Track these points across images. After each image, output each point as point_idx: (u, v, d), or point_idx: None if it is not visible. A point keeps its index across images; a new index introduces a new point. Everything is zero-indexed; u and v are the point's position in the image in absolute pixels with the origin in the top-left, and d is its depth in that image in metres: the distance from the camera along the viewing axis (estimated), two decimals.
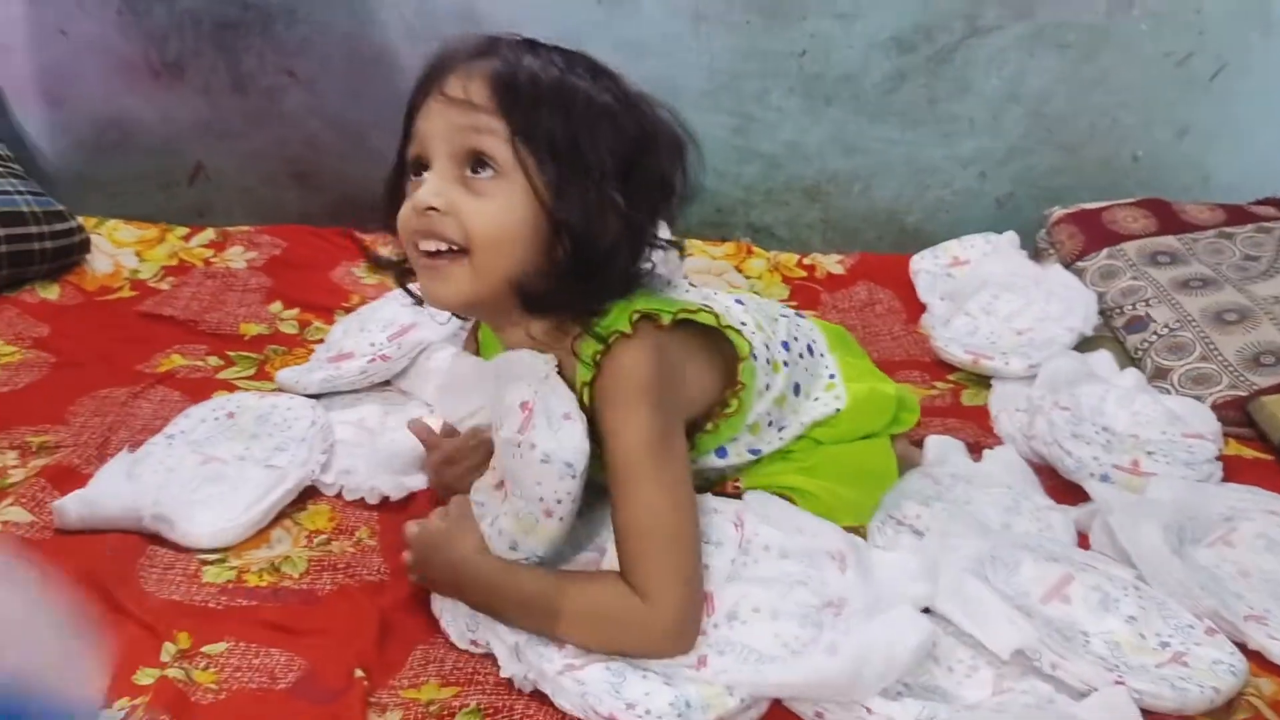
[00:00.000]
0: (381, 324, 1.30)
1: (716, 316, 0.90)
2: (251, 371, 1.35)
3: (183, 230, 1.69)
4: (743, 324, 0.95)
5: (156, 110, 1.75)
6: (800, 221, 1.80)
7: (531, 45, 0.86)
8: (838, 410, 1.02)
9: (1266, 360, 1.34)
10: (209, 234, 1.68)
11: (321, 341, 1.41)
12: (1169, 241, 1.59)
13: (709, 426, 0.94)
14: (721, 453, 0.97)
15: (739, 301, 1.01)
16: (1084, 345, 1.43)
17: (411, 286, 0.92)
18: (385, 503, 1.08)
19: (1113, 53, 1.67)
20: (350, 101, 1.74)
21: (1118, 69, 1.68)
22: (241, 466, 1.07)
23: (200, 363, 1.36)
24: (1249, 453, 1.25)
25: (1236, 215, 1.63)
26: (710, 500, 0.94)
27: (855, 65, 1.68)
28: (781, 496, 0.97)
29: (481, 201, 0.81)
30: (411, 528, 0.92)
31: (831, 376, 1.06)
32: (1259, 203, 1.67)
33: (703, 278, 1.66)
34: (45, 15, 1.69)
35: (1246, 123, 1.71)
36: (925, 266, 1.65)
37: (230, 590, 0.94)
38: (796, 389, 1.01)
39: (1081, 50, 1.67)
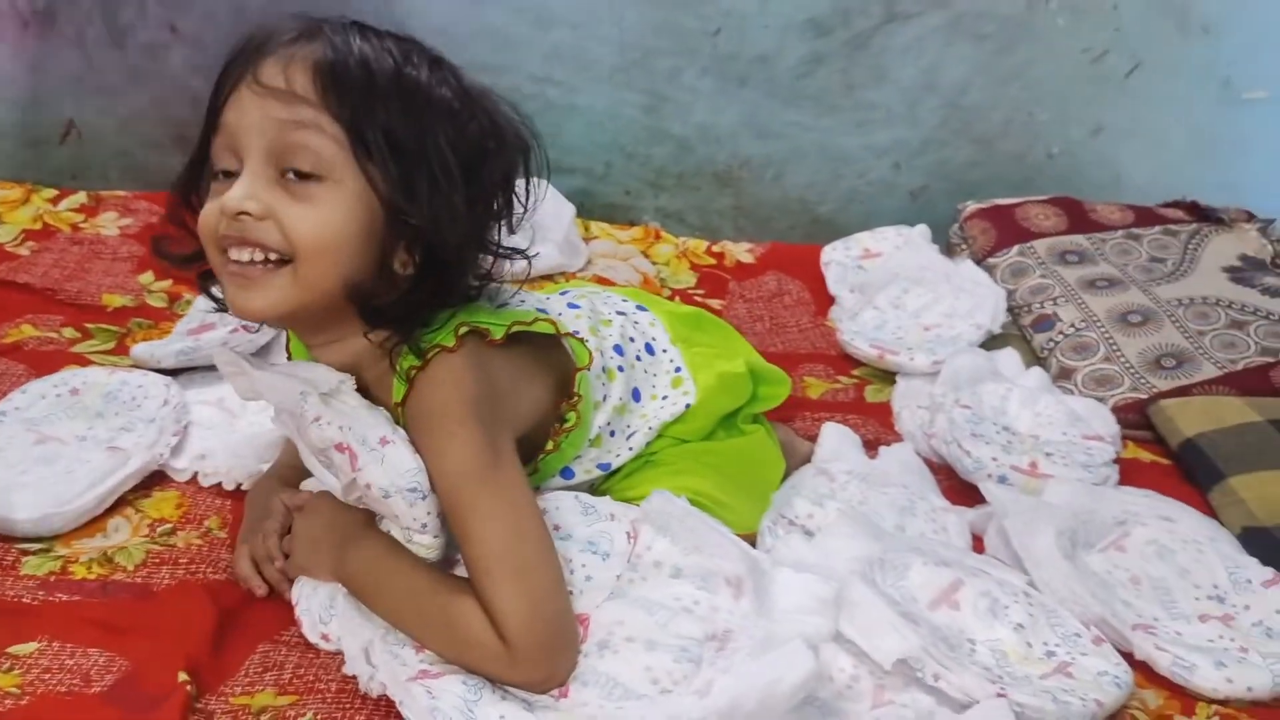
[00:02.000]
0: None
1: (555, 324, 0.83)
2: (110, 345, 1.25)
3: (50, 192, 1.57)
4: (576, 331, 0.88)
5: (24, 61, 1.62)
6: (711, 207, 1.74)
7: (361, 29, 0.76)
8: (688, 406, 0.96)
9: (1167, 363, 1.33)
10: (80, 198, 1.57)
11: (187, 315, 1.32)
12: (1079, 240, 1.57)
13: (549, 446, 0.86)
14: (567, 473, 0.90)
15: (573, 306, 0.94)
16: (991, 343, 1.41)
17: (215, 290, 0.81)
18: (239, 490, 0.99)
19: (1030, 46, 1.64)
20: None
21: (1035, 63, 1.66)
22: (81, 447, 0.98)
23: (54, 334, 1.26)
24: (1147, 456, 1.24)
25: (1145, 217, 1.62)
26: (606, 505, 0.86)
27: (770, 46, 1.63)
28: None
29: (305, 207, 0.72)
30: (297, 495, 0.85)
31: (677, 370, 0.98)
32: (1168, 205, 1.66)
33: (608, 261, 1.60)
34: None
35: (1159, 123, 1.70)
36: (836, 258, 1.61)
37: (51, 584, 0.85)
38: (636, 394, 0.95)
39: (999, 42, 1.64)
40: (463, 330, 0.76)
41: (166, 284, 1.40)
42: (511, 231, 0.80)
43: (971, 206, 1.66)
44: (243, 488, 0.99)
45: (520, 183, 0.80)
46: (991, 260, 1.57)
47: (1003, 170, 1.73)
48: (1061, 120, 1.70)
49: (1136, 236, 1.59)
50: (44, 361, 1.18)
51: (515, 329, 0.79)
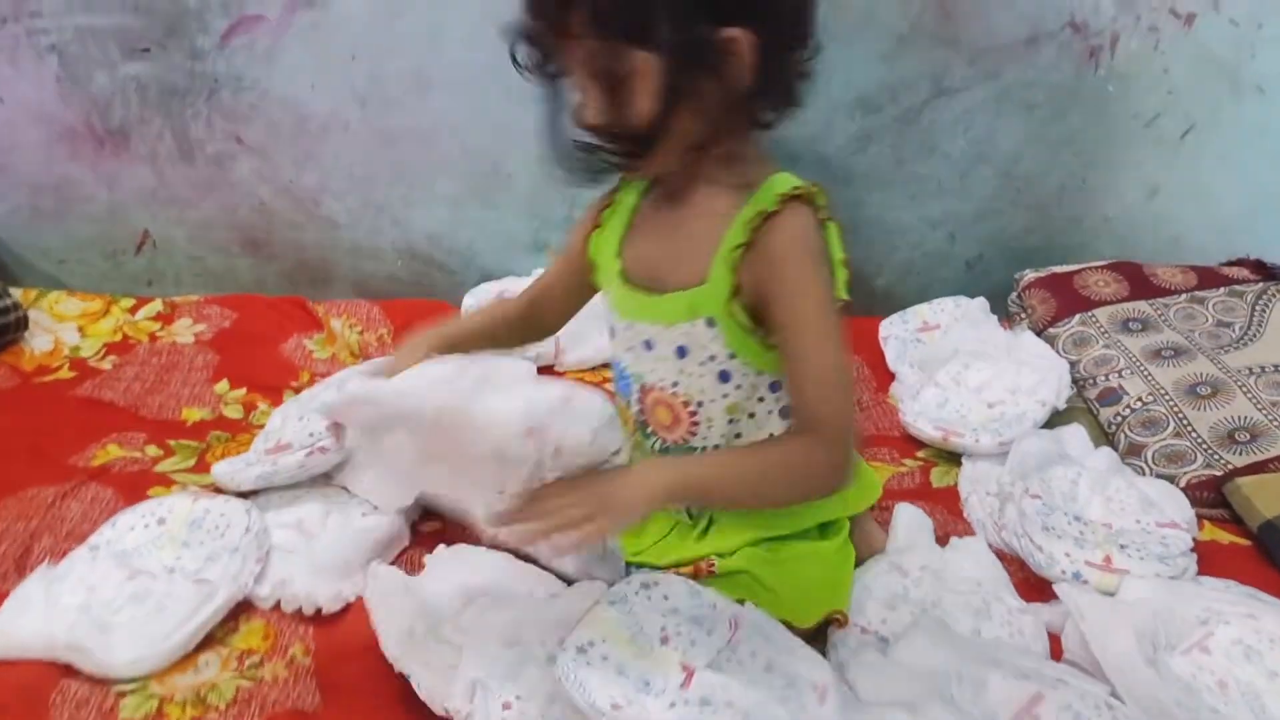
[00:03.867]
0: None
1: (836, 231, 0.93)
2: (191, 463, 1.29)
3: (128, 302, 1.63)
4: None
5: (101, 178, 1.70)
6: None
7: None
8: None
9: (1241, 437, 1.31)
10: (156, 305, 1.63)
11: (263, 428, 1.36)
12: (1141, 307, 1.56)
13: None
14: (774, 386, 0.98)
15: None
16: (1057, 418, 1.40)
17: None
18: (319, 615, 1.02)
19: (1080, 113, 1.64)
20: (300, 168, 1.69)
21: (1086, 129, 1.65)
22: (170, 580, 1.01)
23: (138, 454, 1.30)
24: (1225, 537, 1.21)
25: (1208, 278, 1.60)
26: (709, 594, 0.92)
27: (819, 127, 1.64)
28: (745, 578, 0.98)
29: (629, 101, 0.84)
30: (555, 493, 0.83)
31: None
32: (1230, 264, 1.64)
33: None
34: None
35: (1215, 182, 1.68)
36: (894, 332, 1.61)
37: None
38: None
39: (1049, 110, 1.64)
40: (797, 190, 0.89)
41: (241, 393, 1.45)
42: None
43: (1029, 275, 1.65)
44: (323, 612, 1.02)
45: None
46: (1052, 330, 1.56)
47: (1059, 236, 1.72)
48: (1116, 184, 1.69)
49: (1200, 299, 1.56)
50: (131, 484, 1.22)
51: (823, 216, 0.91)
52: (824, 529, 1.05)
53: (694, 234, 0.93)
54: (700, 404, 0.97)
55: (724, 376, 0.95)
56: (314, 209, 1.72)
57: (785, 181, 0.91)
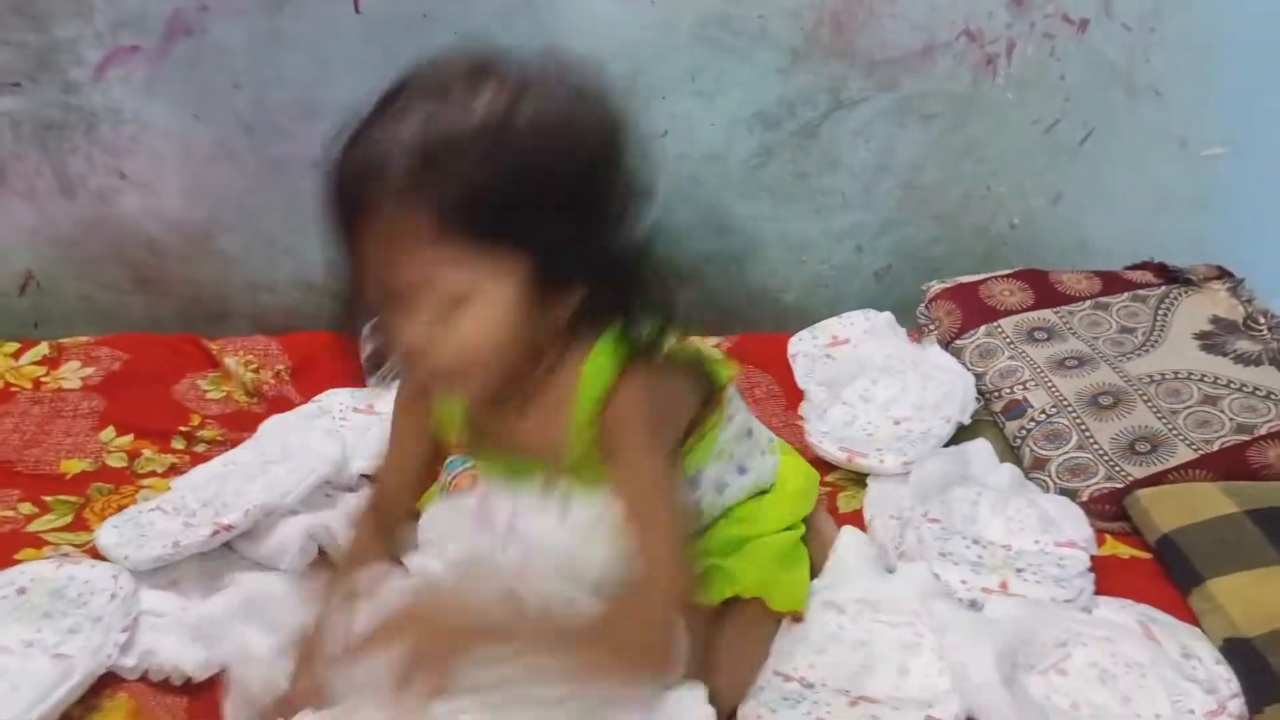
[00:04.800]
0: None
1: (699, 351, 0.94)
2: (69, 519, 1.23)
3: (12, 346, 1.56)
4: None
5: None
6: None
7: (443, 102, 0.74)
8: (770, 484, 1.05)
9: (1141, 448, 1.30)
10: (42, 349, 1.56)
11: (150, 475, 1.32)
12: (1046, 316, 1.55)
13: (687, 444, 0.93)
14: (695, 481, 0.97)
15: None
16: (964, 431, 1.38)
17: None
18: (188, 685, 0.97)
19: (980, 121, 1.63)
20: (190, 202, 1.64)
21: (987, 137, 1.65)
22: (27, 656, 0.96)
23: (10, 512, 1.24)
24: (1126, 550, 1.21)
25: (1113, 283, 1.60)
26: None
27: (719, 144, 1.62)
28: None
29: (466, 325, 0.76)
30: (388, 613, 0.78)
31: (770, 440, 1.09)
32: (1133, 267, 1.64)
33: None
34: None
35: (1117, 186, 1.69)
36: (803, 349, 1.59)
37: None
38: (749, 431, 1.04)
39: (949, 120, 1.63)
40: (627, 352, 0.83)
41: (127, 439, 1.39)
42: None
43: (936, 287, 1.64)
44: (193, 681, 0.98)
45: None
46: (959, 342, 1.55)
47: (966, 245, 1.71)
48: (1020, 191, 1.69)
49: (1105, 305, 1.56)
50: (0, 547, 1.17)
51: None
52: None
53: (539, 433, 0.87)
54: None
55: None
56: (205, 243, 1.67)
57: (603, 354, 0.84)
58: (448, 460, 1.26)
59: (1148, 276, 1.61)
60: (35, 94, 1.55)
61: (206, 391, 1.50)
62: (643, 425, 0.84)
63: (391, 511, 1.01)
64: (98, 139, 1.58)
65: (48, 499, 1.27)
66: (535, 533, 0.87)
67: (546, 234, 0.75)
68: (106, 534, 1.13)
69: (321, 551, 1.14)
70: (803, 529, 1.09)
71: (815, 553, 1.10)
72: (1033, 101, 1.62)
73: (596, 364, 0.83)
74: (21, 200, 1.62)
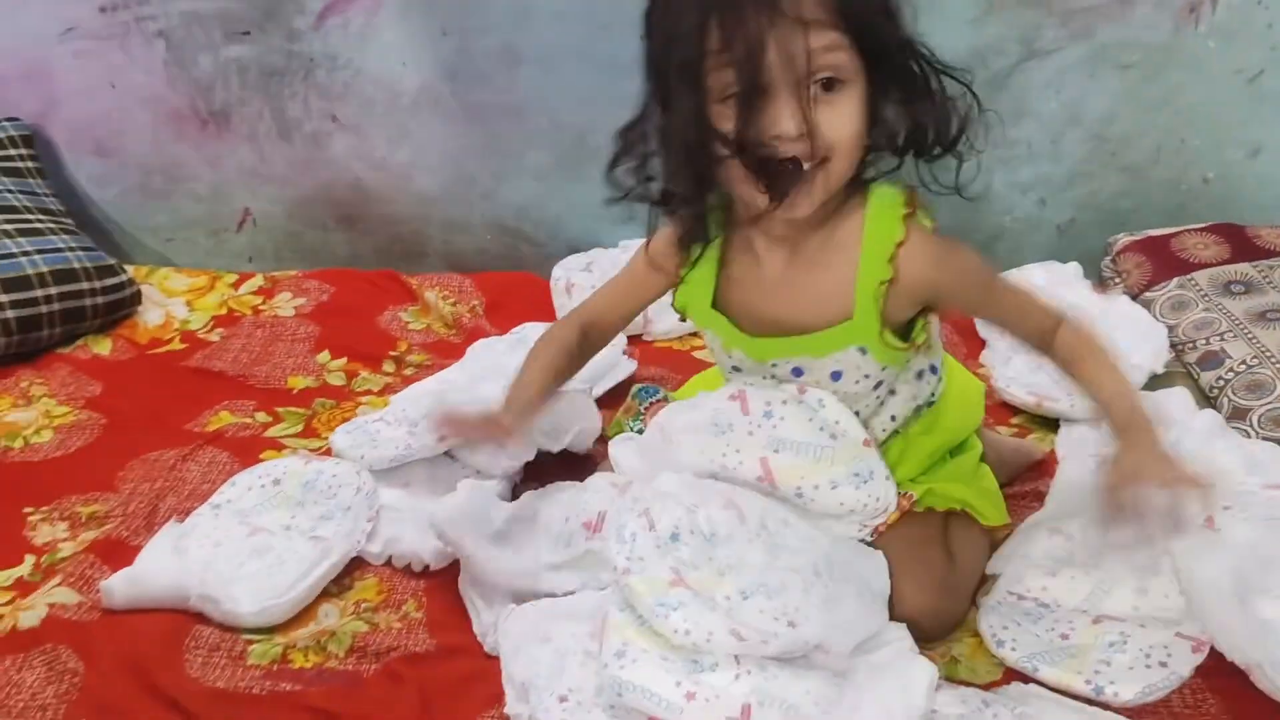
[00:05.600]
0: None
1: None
2: (299, 428, 1.34)
3: (231, 277, 1.69)
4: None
5: (204, 158, 1.76)
6: None
7: None
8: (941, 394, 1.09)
9: None
10: (258, 280, 1.69)
11: (367, 394, 1.41)
12: (1243, 269, 1.52)
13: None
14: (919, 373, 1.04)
15: None
16: (1156, 382, 1.37)
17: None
18: (428, 571, 1.06)
19: (1179, 71, 1.60)
20: (394, 145, 1.73)
21: (1184, 88, 1.61)
22: (288, 537, 1.06)
23: (249, 419, 1.35)
24: None
25: None
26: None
27: None
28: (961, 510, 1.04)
29: (834, 113, 0.84)
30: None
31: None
32: None
33: None
34: (93, 68, 1.71)
35: None
36: None
37: (275, 673, 0.93)
38: (939, 334, 1.08)
39: (1145, 70, 1.60)
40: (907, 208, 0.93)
41: (343, 362, 1.49)
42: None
43: (1124, 239, 1.62)
44: (431, 569, 1.06)
45: None
46: (1149, 294, 1.53)
47: (1156, 199, 1.68)
48: (1216, 144, 1.64)
49: None
50: (244, 448, 1.28)
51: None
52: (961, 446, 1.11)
53: (823, 274, 0.95)
54: (854, 405, 1.01)
55: (876, 385, 1.00)
56: (406, 184, 1.76)
57: (888, 197, 0.94)
58: (636, 388, 1.32)
59: None
60: (262, 41, 1.66)
61: (408, 323, 1.59)
62: (948, 255, 0.93)
63: (577, 343, 1.09)
64: (314, 84, 1.69)
65: (279, 410, 1.37)
66: (788, 424, 0.96)
67: (895, 42, 0.85)
68: (340, 439, 1.23)
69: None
70: (980, 446, 1.12)
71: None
72: (1236, 51, 1.58)
73: (879, 217, 0.92)
74: (244, 142, 1.74)
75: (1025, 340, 1.00)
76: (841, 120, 0.84)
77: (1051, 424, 1.34)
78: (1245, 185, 1.66)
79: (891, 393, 1.03)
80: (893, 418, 1.05)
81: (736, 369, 1.04)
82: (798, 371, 1.00)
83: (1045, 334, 0.98)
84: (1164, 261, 1.55)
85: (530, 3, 1.60)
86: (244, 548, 1.04)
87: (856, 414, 1.00)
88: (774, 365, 1.00)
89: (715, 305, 1.00)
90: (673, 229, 0.99)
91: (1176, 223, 1.62)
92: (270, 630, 0.97)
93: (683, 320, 1.06)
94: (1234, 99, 1.61)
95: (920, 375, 1.05)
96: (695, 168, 0.87)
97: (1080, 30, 1.58)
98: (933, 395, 1.08)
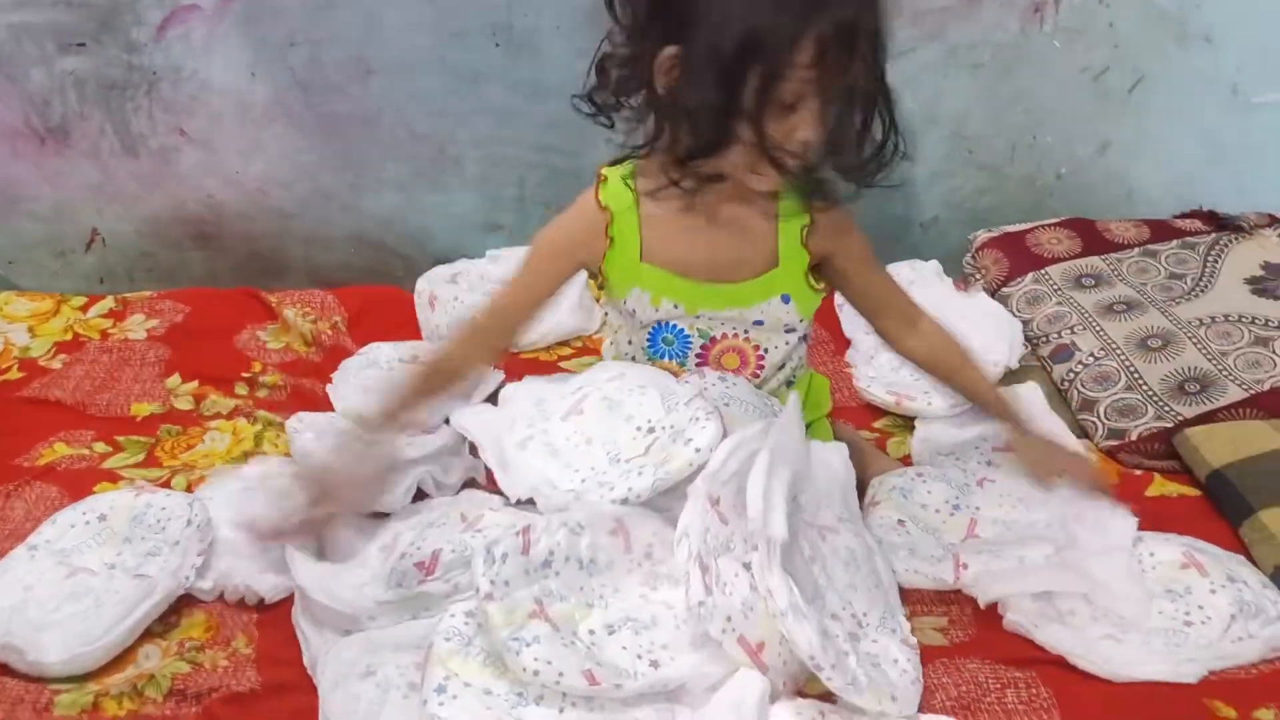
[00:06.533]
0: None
1: None
2: (141, 458, 1.28)
3: (79, 300, 1.62)
4: None
5: (44, 176, 1.68)
6: None
7: None
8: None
9: (1191, 388, 1.31)
10: (108, 303, 1.61)
11: (216, 418, 1.36)
12: (1094, 263, 1.55)
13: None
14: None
15: None
16: (1011, 378, 1.40)
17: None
18: (262, 606, 1.02)
19: (1028, 70, 1.63)
20: (247, 159, 1.67)
21: (1034, 86, 1.64)
22: (110, 577, 1.01)
23: (85, 450, 1.29)
24: (1174, 489, 1.22)
25: (1161, 231, 1.60)
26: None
27: None
28: None
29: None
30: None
31: None
32: (1183, 216, 1.64)
33: None
34: None
35: (1166, 135, 1.67)
36: None
37: None
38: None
39: (996, 69, 1.63)
40: None
41: (193, 385, 1.44)
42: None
43: (983, 236, 1.64)
44: (266, 602, 1.02)
45: None
46: (1006, 290, 1.55)
47: (1013, 196, 1.71)
48: (1067, 141, 1.68)
49: (1153, 253, 1.56)
50: (77, 481, 1.21)
51: None
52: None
53: (747, 228, 1.03)
54: (768, 349, 1.09)
55: (790, 330, 1.09)
56: (263, 199, 1.71)
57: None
58: None
59: (1197, 224, 1.61)
60: (99, 54, 1.59)
61: (266, 342, 1.54)
62: (854, 221, 1.07)
63: (480, 347, 1.10)
64: (159, 98, 1.62)
65: (120, 439, 1.31)
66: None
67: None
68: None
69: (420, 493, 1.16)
70: (830, 433, 1.23)
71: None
72: (1081, 49, 1.61)
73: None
74: (86, 159, 1.67)
75: (890, 322, 1.12)
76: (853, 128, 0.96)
77: (911, 426, 1.35)
78: (1096, 180, 1.70)
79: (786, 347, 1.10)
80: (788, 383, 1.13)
81: (660, 324, 1.07)
82: (721, 322, 1.07)
83: (910, 321, 1.11)
84: (1020, 257, 1.58)
85: (379, 12, 1.57)
86: (60, 591, 0.99)
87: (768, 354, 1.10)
88: (699, 318, 1.06)
89: (644, 260, 1.05)
90: (595, 197, 1.05)
91: (1034, 218, 1.66)
92: (83, 678, 0.92)
93: (600, 289, 1.11)
94: (1081, 96, 1.65)
95: (802, 338, 1.13)
96: (718, 143, 0.93)
97: (932, 30, 1.60)
98: (799, 365, 1.15)
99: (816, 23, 0.87)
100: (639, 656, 0.86)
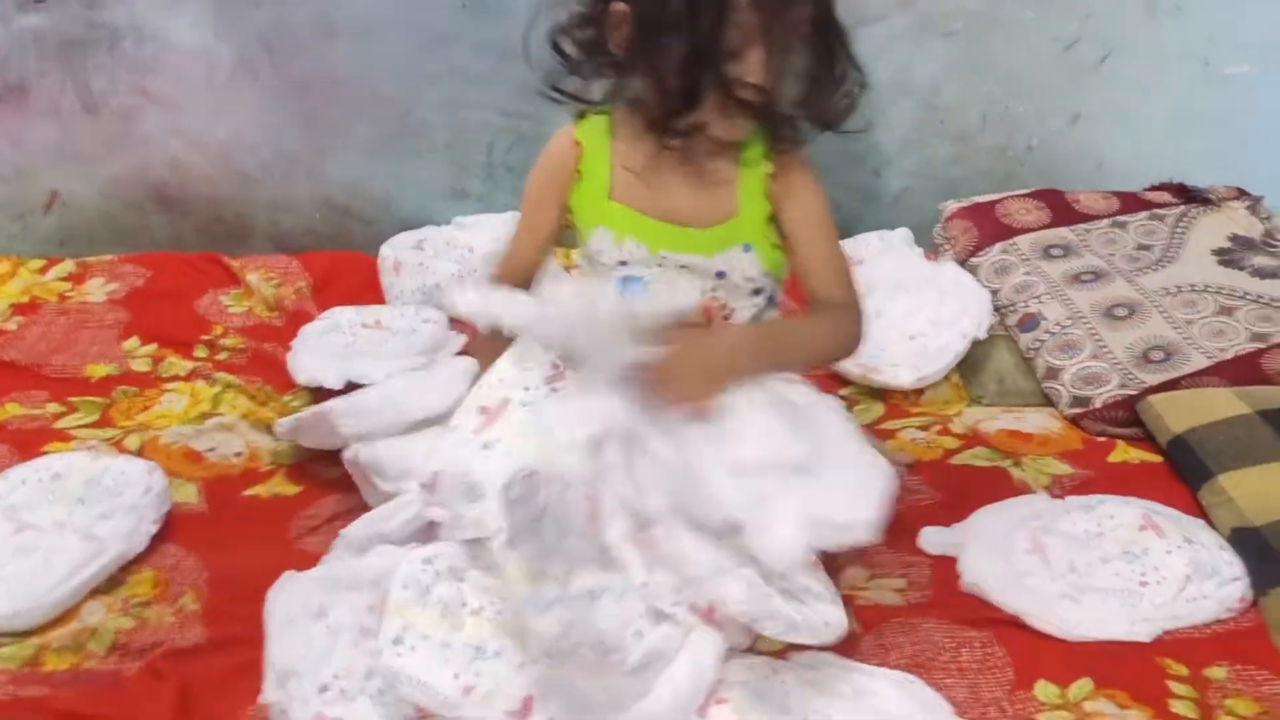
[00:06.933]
0: None
1: None
2: (95, 417, 1.27)
3: (38, 263, 1.59)
4: None
5: (2, 136, 1.65)
6: None
7: None
8: None
9: (1155, 356, 1.31)
10: (68, 265, 1.59)
11: (174, 379, 1.34)
12: (1062, 233, 1.55)
13: None
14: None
15: None
16: (979, 348, 1.39)
17: None
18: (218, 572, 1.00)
19: (1000, 39, 1.62)
20: (212, 121, 1.65)
21: (1006, 56, 1.63)
22: (60, 535, 0.99)
23: (38, 410, 1.27)
24: (1137, 455, 1.22)
25: (1130, 203, 1.59)
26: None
27: None
28: None
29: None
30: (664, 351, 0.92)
31: None
32: (1153, 188, 1.64)
33: None
34: None
35: (1138, 107, 1.67)
36: None
37: (22, 677, 0.86)
38: None
39: (968, 37, 1.62)
40: None
41: (151, 348, 1.42)
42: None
43: (952, 206, 1.64)
44: None
45: None
46: (975, 260, 1.55)
47: (984, 166, 1.70)
48: (1038, 111, 1.67)
49: (1122, 224, 1.56)
50: (27, 441, 1.20)
51: None
52: None
53: (710, 174, 1.02)
54: (734, 308, 1.05)
55: (757, 290, 1.05)
56: (227, 163, 1.68)
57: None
58: None
59: (1166, 197, 1.60)
60: (58, 10, 1.56)
61: (229, 306, 1.52)
62: (813, 166, 1.03)
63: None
64: (121, 56, 1.59)
65: (74, 400, 1.29)
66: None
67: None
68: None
69: None
70: None
71: None
72: (1052, 19, 1.60)
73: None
74: (45, 119, 1.64)
75: (807, 295, 1.07)
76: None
77: (879, 394, 1.34)
78: (1066, 151, 1.70)
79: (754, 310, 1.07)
80: None
81: (623, 263, 1.05)
82: (684, 269, 1.03)
83: (826, 298, 1.04)
84: (989, 227, 1.58)
85: None
86: (6, 545, 0.97)
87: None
88: (663, 257, 1.03)
89: (612, 197, 1.04)
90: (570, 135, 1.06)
91: (1005, 189, 1.65)
92: (25, 632, 0.91)
93: (568, 228, 1.09)
94: (1053, 67, 1.64)
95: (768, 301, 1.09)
96: (689, 93, 0.93)
97: None
98: None
99: None
100: (625, 624, 0.84)
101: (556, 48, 0.98)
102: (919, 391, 1.35)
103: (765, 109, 0.94)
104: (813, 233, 1.05)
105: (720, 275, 1.05)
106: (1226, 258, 1.46)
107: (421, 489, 0.94)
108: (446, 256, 1.56)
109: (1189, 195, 1.59)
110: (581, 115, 1.05)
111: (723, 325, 1.03)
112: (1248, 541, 1.02)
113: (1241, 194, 1.58)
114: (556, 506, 0.87)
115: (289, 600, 0.88)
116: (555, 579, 0.84)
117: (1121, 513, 1.05)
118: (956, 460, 1.22)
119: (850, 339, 1.06)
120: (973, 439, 1.26)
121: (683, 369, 0.92)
